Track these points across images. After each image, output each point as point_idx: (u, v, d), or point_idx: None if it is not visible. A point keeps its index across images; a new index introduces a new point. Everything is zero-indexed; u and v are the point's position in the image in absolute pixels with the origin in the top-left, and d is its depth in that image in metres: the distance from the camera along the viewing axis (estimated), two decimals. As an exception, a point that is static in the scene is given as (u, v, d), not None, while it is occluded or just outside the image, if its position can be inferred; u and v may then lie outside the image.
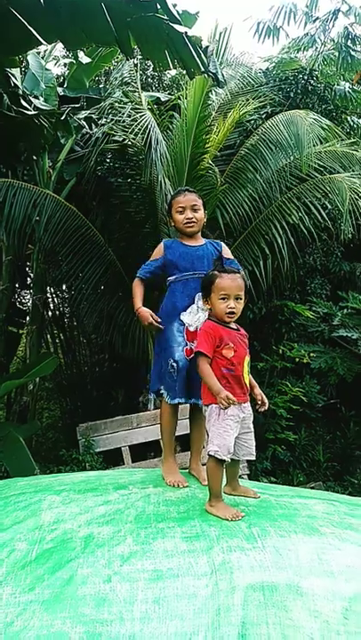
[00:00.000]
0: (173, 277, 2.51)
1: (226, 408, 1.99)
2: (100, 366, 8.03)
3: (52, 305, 7.89)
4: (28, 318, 7.16)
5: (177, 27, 3.45)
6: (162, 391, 2.47)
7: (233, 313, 2.12)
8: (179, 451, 5.41)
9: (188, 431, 2.63)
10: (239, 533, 1.84)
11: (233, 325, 2.18)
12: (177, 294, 2.48)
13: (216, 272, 2.17)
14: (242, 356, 2.11)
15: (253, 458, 2.22)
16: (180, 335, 2.43)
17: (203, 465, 2.55)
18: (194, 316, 2.43)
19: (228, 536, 1.82)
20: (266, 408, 2.22)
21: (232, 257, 2.61)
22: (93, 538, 1.80)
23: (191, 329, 2.40)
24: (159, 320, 2.48)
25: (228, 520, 1.92)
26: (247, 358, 2.15)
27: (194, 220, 2.51)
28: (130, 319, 5.98)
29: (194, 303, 2.44)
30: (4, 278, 6.52)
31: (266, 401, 2.22)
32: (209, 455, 2.04)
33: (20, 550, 1.74)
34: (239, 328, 2.21)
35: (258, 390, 2.22)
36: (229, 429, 2.03)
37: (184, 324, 2.43)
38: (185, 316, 2.44)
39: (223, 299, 2.11)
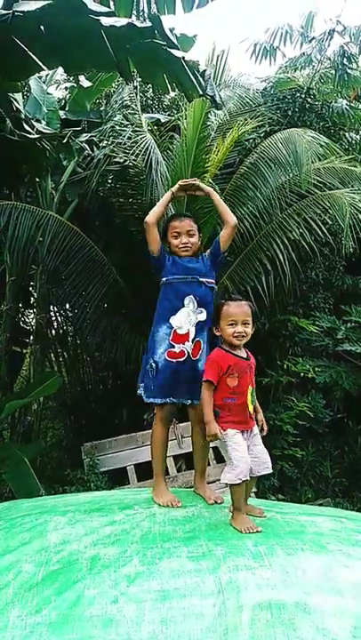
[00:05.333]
0: (165, 279, 2.55)
1: (207, 438, 2.18)
2: (104, 384, 8.01)
3: (55, 324, 7.90)
4: (31, 337, 7.19)
5: (174, 52, 3.51)
6: (140, 389, 2.51)
7: (242, 336, 2.23)
8: (184, 469, 5.37)
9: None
10: (246, 552, 1.83)
11: (243, 354, 2.28)
12: (169, 296, 2.53)
13: (223, 301, 2.33)
14: (245, 385, 2.22)
15: (270, 470, 2.29)
16: (165, 337, 2.46)
17: (208, 483, 2.57)
18: (185, 319, 2.46)
19: (235, 555, 1.81)
20: (265, 433, 2.34)
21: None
22: (100, 559, 1.79)
23: (181, 332, 2.43)
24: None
25: (241, 532, 1.99)
26: (251, 388, 2.25)
27: (189, 244, 2.57)
28: (133, 336, 5.99)
29: (184, 306, 2.47)
30: (8, 298, 6.56)
31: (265, 427, 2.36)
32: (230, 485, 2.12)
33: (26, 572, 1.74)
34: (249, 356, 2.31)
35: (260, 416, 2.35)
36: (242, 443, 2.16)
37: (172, 327, 2.46)
38: (174, 320, 2.47)
39: (231, 324, 2.25)
